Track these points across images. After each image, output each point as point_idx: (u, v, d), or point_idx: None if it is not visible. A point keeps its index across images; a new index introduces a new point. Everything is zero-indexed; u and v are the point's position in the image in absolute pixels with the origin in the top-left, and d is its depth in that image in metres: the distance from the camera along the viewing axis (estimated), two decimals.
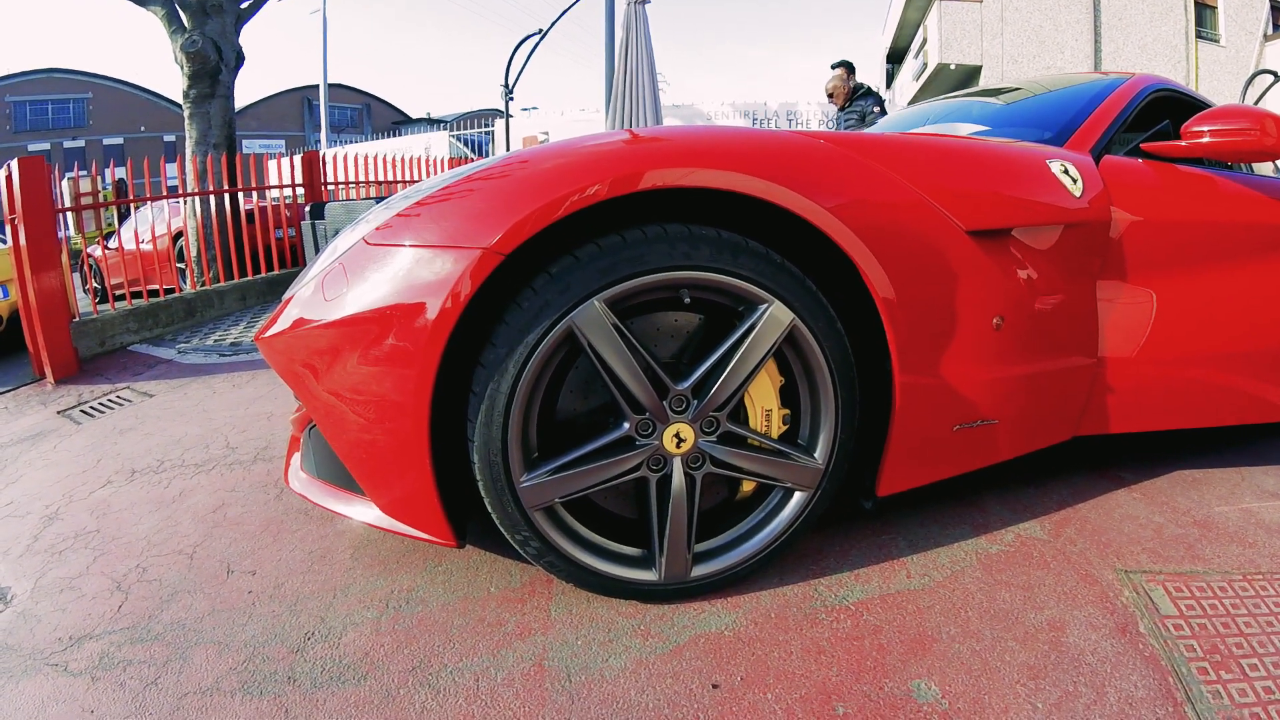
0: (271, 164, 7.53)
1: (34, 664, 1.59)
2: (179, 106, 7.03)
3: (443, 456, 1.52)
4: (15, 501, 2.59)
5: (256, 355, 4.57)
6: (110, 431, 3.33)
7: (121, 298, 5.88)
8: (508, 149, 14.39)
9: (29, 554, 2.14)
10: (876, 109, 6.55)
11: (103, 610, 1.78)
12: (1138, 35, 18.73)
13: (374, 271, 1.47)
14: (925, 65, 20.37)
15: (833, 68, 6.84)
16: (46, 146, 35.89)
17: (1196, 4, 18.77)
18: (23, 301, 4.63)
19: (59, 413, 3.78)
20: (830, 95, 6.74)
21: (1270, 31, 18.94)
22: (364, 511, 1.65)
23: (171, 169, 6.66)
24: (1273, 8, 18.92)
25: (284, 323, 1.61)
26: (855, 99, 6.65)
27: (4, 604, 1.87)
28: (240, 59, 7.14)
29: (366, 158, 8.78)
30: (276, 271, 6.70)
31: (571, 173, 1.43)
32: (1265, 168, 3.21)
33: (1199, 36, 18.89)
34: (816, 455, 1.65)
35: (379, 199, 7.13)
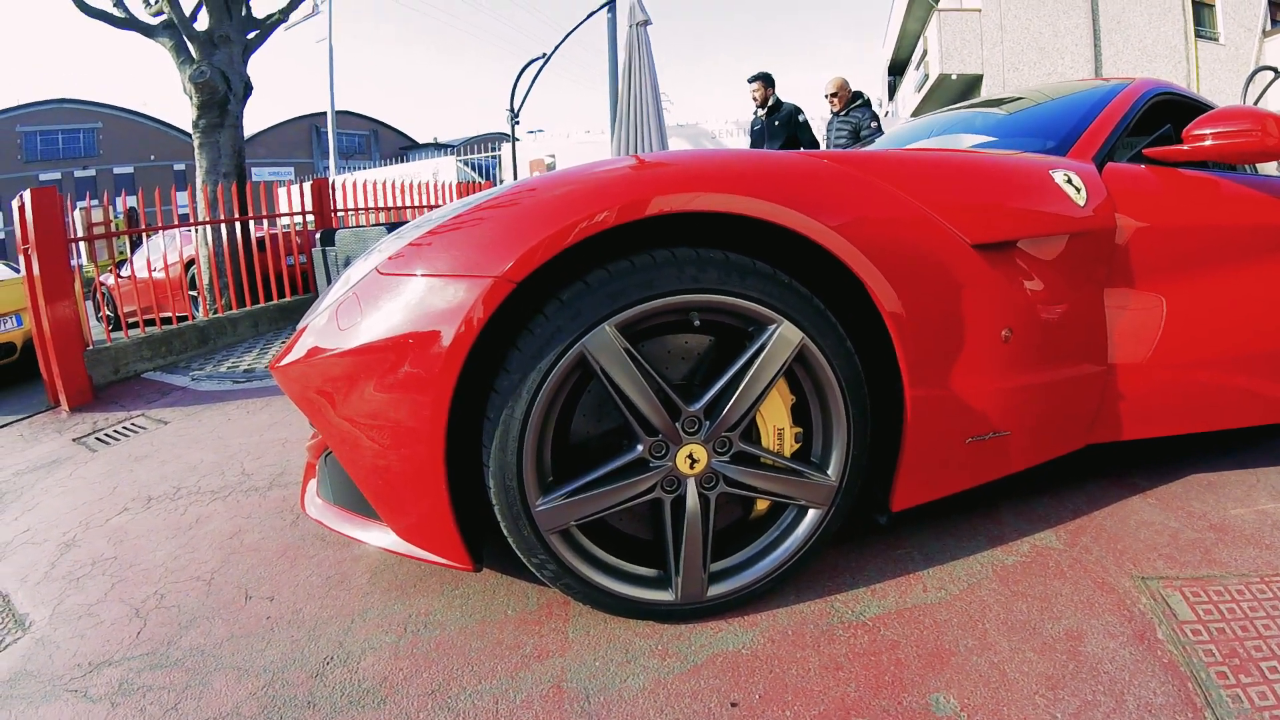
0: (281, 191, 7.59)
1: (53, 690, 1.61)
2: (189, 136, 7.11)
3: (458, 481, 1.53)
4: (33, 529, 2.61)
5: (270, 382, 4.60)
6: (126, 459, 3.36)
7: (135, 326, 5.93)
8: (514, 173, 14.43)
9: (47, 581, 2.16)
10: (874, 124, 6.47)
11: (121, 636, 1.80)
12: (1137, 37, 18.71)
13: (387, 300, 1.48)
14: (927, 76, 20.37)
15: (750, 80, 6.88)
16: (57, 176, 36.29)
17: (1195, 3, 18.74)
18: (37, 330, 4.69)
19: (74, 440, 3.81)
20: (833, 95, 6.63)
21: (1269, 27, 18.89)
22: (380, 537, 1.66)
23: (182, 197, 6.74)
24: (1270, 4, 18.89)
25: (299, 351, 1.62)
26: (852, 109, 6.59)
27: (23, 630, 1.89)
28: (248, 88, 7.22)
29: (375, 184, 8.84)
30: (288, 298, 6.74)
31: (579, 200, 1.45)
32: (1269, 167, 3.21)
33: (1198, 35, 18.85)
34: (829, 472, 1.65)
35: (389, 225, 7.17)
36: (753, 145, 7.07)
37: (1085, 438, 2.05)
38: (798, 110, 6.80)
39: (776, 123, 6.77)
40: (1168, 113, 2.48)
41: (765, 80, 6.88)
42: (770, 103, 6.88)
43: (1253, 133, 2.04)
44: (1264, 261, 2.20)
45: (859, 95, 6.65)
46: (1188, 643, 1.50)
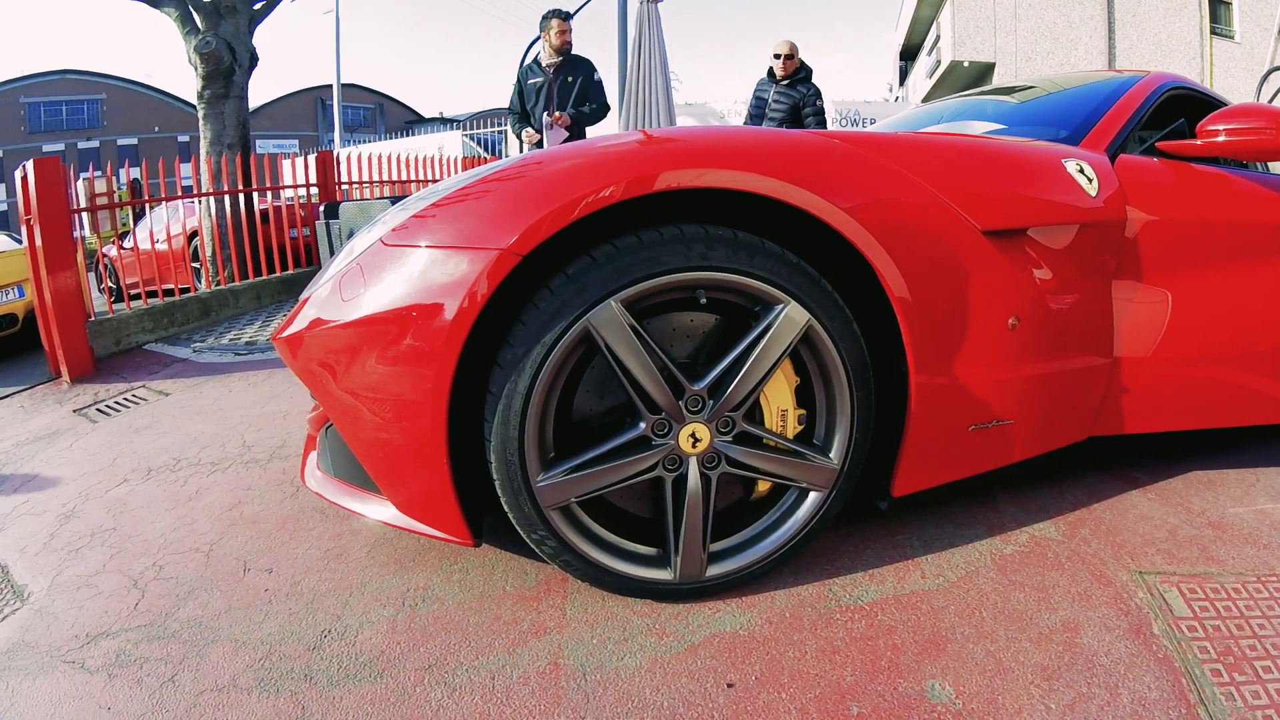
0: (286, 164, 7.57)
1: (51, 661, 1.61)
2: (193, 107, 7.07)
3: (459, 455, 1.53)
4: (32, 499, 2.61)
5: (272, 354, 4.60)
6: (126, 430, 3.36)
7: (137, 297, 5.91)
8: (520, 148, 14.37)
9: (46, 551, 2.16)
10: (819, 103, 5.74)
11: (119, 608, 1.80)
12: (1152, 31, 18.62)
13: (391, 272, 1.47)
14: (939, 62, 20.30)
15: (559, 17, 5.43)
16: (61, 147, 36.14)
17: (1211, 0, 18.64)
18: (39, 301, 4.67)
19: (75, 411, 3.81)
20: (788, 56, 5.70)
21: None
22: (380, 510, 1.66)
23: (186, 169, 6.71)
24: None
25: (301, 323, 1.62)
26: (797, 81, 5.77)
27: (21, 601, 1.89)
28: (254, 60, 7.16)
29: (380, 157, 8.80)
30: (291, 271, 6.72)
31: (586, 174, 1.44)
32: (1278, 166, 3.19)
33: (1214, 33, 18.76)
34: (832, 455, 1.65)
35: (393, 198, 7.15)
36: (533, 106, 5.63)
37: (1088, 430, 2.04)
38: (594, 67, 5.63)
39: (569, 78, 5.44)
40: (1182, 107, 2.46)
41: (568, 19, 5.46)
42: (567, 54, 5.53)
43: (1266, 130, 2.03)
44: (1273, 260, 2.19)
45: (805, 68, 5.82)
46: (1183, 639, 1.50)
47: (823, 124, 5.86)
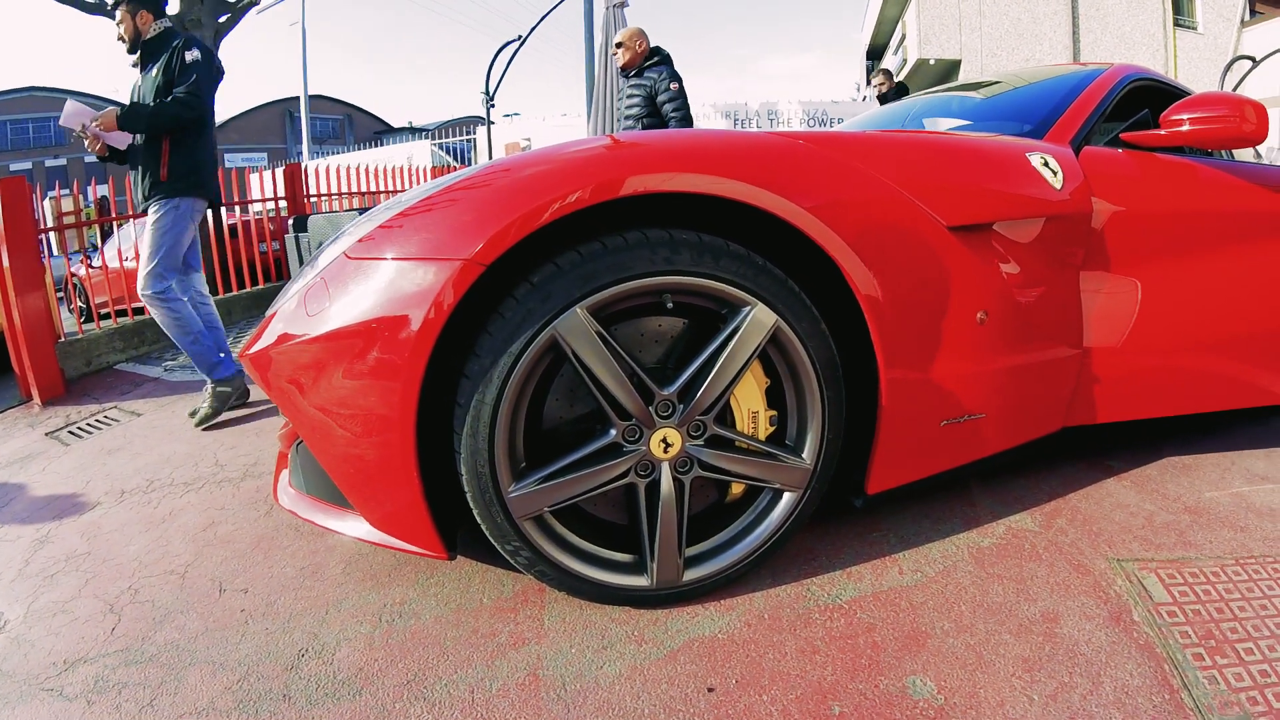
0: (254, 177, 7.50)
1: (29, 689, 1.58)
2: None
3: (431, 468, 1.51)
4: (5, 525, 2.56)
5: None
6: (99, 452, 3.31)
7: (106, 317, 5.84)
8: (490, 156, 14.35)
9: (20, 578, 2.12)
10: (674, 85, 5.02)
11: (96, 633, 1.77)
12: (1116, 25, 18.86)
13: (356, 285, 1.46)
14: (905, 61, 20.46)
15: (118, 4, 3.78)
16: (28, 166, 35.79)
17: None
18: (7, 323, 4.60)
19: (47, 434, 3.75)
20: (620, 44, 5.14)
21: (1248, 17, 19.10)
22: (354, 526, 1.64)
23: None
24: None
25: (268, 339, 1.59)
26: (646, 68, 5.14)
27: None
28: (220, 73, 7.09)
29: (349, 169, 8.75)
30: (261, 285, 6.66)
31: (552, 180, 1.43)
32: (1246, 154, 3.23)
33: (1177, 25, 19.04)
34: (804, 455, 1.65)
35: (362, 210, 7.11)
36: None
37: (1061, 421, 2.05)
38: (189, 43, 3.84)
39: (153, 69, 3.81)
40: (1145, 98, 2.49)
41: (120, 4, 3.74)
42: (151, 35, 3.86)
43: (1230, 118, 2.05)
44: (1239, 245, 2.21)
45: (657, 51, 5.17)
46: (1164, 625, 1.51)
47: (681, 106, 5.06)
